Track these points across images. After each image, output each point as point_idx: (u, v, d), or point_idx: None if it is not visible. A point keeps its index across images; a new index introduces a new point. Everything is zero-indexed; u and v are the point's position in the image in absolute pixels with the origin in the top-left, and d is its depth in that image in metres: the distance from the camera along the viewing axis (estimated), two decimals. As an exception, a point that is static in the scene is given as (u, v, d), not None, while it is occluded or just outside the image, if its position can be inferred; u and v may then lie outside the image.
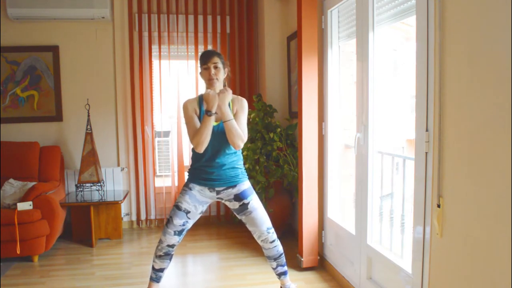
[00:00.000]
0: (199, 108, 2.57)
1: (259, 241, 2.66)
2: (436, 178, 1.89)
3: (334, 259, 3.22)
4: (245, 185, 2.63)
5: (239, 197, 2.59)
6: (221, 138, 2.52)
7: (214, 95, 2.46)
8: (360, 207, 2.78)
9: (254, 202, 2.62)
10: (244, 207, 2.59)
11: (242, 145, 2.50)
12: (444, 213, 1.84)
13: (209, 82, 2.54)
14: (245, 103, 2.61)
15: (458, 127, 1.74)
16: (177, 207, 2.57)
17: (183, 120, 4.50)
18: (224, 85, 2.63)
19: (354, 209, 2.88)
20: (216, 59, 2.53)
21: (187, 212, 2.56)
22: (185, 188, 2.62)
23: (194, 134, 2.48)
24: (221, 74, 2.56)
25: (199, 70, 2.58)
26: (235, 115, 2.55)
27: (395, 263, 2.38)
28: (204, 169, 2.57)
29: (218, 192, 2.60)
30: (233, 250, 3.83)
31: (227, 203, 2.67)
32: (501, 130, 1.49)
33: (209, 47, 4.59)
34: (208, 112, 2.44)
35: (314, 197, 3.28)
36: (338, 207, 3.34)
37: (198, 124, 2.51)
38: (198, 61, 2.62)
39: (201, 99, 2.59)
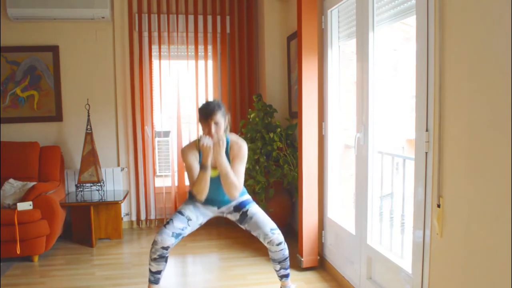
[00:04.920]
0: (199, 154, 2.59)
1: (265, 244, 2.65)
2: (436, 178, 1.89)
3: (334, 259, 3.22)
4: (244, 197, 2.73)
5: (238, 207, 2.69)
6: (220, 185, 2.56)
7: (209, 148, 2.43)
8: (360, 207, 2.78)
9: (253, 208, 2.69)
10: (244, 215, 2.66)
11: (237, 195, 2.55)
12: (444, 213, 1.84)
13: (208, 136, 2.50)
14: (243, 149, 2.59)
15: (458, 127, 1.74)
16: (179, 212, 2.64)
17: (183, 120, 4.58)
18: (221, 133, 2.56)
19: (354, 209, 2.88)
20: (217, 116, 2.47)
21: (189, 219, 2.62)
22: (189, 199, 2.72)
23: (193, 184, 2.53)
24: (222, 129, 2.52)
25: (199, 116, 2.53)
26: (232, 162, 2.56)
27: (395, 263, 2.38)
28: (205, 202, 2.68)
29: (219, 207, 2.71)
30: (233, 250, 3.83)
31: (228, 216, 2.75)
32: (501, 130, 1.49)
33: (209, 47, 4.59)
34: (203, 167, 2.46)
35: (314, 197, 3.28)
36: (338, 207, 3.34)
37: (197, 170, 2.53)
38: (198, 112, 2.56)
39: (199, 144, 2.56)
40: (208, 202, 2.67)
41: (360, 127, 2.74)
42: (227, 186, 2.49)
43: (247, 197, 2.74)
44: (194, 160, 2.57)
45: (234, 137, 2.65)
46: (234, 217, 2.71)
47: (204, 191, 2.50)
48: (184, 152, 2.60)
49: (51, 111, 4.41)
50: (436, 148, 1.88)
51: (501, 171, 1.50)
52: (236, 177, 2.51)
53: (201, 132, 2.61)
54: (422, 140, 1.99)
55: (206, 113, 2.47)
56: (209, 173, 2.49)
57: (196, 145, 2.62)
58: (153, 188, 4.60)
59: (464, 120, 1.69)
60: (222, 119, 2.51)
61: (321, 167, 3.36)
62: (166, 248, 2.55)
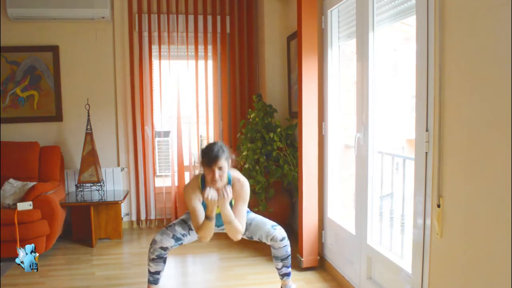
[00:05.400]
0: (201, 193, 2.51)
1: (268, 242, 2.65)
2: (436, 178, 1.89)
3: (334, 259, 3.22)
4: None
5: None
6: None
7: (214, 202, 2.39)
8: (360, 207, 2.78)
9: (251, 215, 2.71)
10: None
11: (240, 237, 2.53)
12: (444, 213, 1.84)
13: (212, 182, 2.42)
14: (245, 188, 2.54)
15: (458, 127, 1.74)
16: (182, 220, 2.67)
17: (183, 120, 4.57)
18: (225, 183, 2.50)
19: (354, 209, 2.88)
20: (221, 161, 2.38)
21: (190, 229, 2.64)
22: None
23: (197, 228, 2.48)
24: (226, 173, 2.46)
25: (201, 160, 2.44)
26: (234, 203, 2.53)
27: (395, 263, 2.38)
28: None
29: (219, 226, 2.67)
30: (233, 250, 3.83)
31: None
32: (501, 130, 1.49)
33: (209, 47, 4.59)
34: (208, 218, 2.43)
35: (314, 197, 3.28)
36: (338, 207, 3.34)
37: (201, 214, 2.48)
38: (200, 155, 2.46)
39: (202, 181, 2.53)
40: None
41: (360, 127, 2.74)
42: (231, 232, 2.49)
43: None
44: (197, 203, 2.51)
45: (236, 174, 2.59)
46: None
47: (209, 236, 2.49)
48: (187, 194, 2.53)
49: (51, 111, 4.41)
50: (436, 148, 1.88)
51: (501, 171, 1.50)
52: (239, 219, 2.47)
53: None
54: (422, 140, 1.99)
55: (209, 159, 2.38)
56: (214, 222, 2.46)
57: (198, 184, 2.55)
58: (153, 188, 4.60)
59: (464, 120, 1.69)
60: (226, 163, 2.43)
61: (321, 167, 3.36)
62: (164, 249, 2.55)
